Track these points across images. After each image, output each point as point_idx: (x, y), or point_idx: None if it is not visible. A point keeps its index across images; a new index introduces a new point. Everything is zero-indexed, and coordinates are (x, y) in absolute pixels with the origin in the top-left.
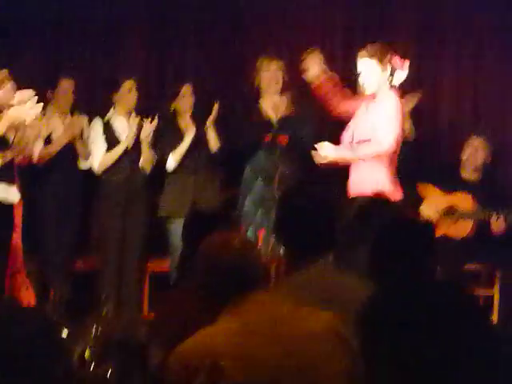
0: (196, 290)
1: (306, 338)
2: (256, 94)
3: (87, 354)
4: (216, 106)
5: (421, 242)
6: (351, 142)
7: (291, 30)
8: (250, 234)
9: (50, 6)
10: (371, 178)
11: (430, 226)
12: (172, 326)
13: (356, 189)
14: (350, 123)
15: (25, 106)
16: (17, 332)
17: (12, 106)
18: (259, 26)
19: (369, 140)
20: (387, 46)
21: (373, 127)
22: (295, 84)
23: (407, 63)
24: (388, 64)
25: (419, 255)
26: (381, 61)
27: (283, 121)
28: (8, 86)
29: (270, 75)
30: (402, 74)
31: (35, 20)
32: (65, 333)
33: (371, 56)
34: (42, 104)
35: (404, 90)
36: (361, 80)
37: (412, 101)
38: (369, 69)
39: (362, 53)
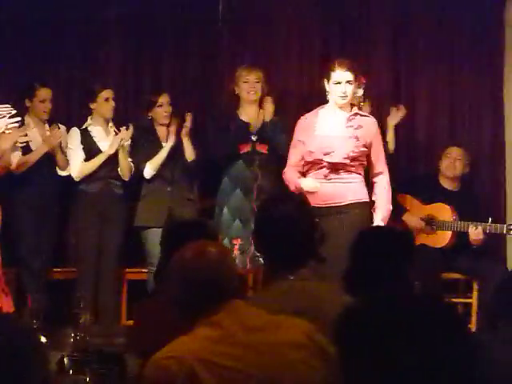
0: (172, 299)
1: (282, 346)
2: (235, 104)
3: (65, 361)
4: (189, 117)
5: (400, 252)
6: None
7: (269, 41)
8: (225, 243)
9: (27, 15)
10: (346, 187)
11: (409, 236)
12: (149, 335)
13: (337, 198)
14: (316, 133)
15: (1, 118)
16: None
17: None
18: (237, 36)
19: (365, 153)
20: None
21: (368, 145)
22: (273, 94)
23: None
24: (357, 80)
25: (398, 264)
26: (355, 76)
27: (262, 130)
28: None
29: (249, 86)
30: (360, 92)
31: (13, 30)
32: (43, 340)
33: (350, 69)
34: (19, 118)
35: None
36: (340, 89)
37: (397, 115)
38: (348, 81)
39: (343, 65)
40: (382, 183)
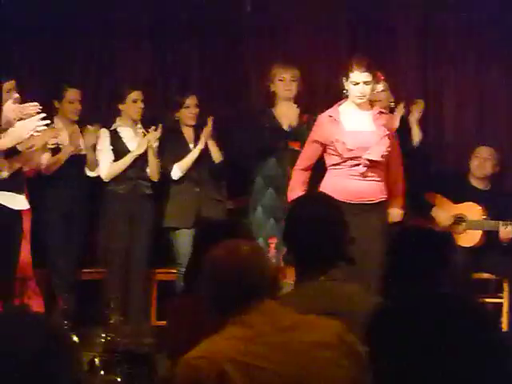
0: (203, 299)
1: (313, 346)
2: (269, 101)
3: (96, 361)
4: (210, 121)
5: (440, 252)
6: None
7: (296, 41)
8: (260, 242)
9: (55, 17)
10: (378, 185)
11: (449, 237)
12: (180, 335)
13: (369, 195)
14: (347, 129)
15: (31, 120)
16: (28, 338)
17: (20, 119)
18: (263, 36)
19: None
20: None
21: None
22: (307, 93)
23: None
24: (375, 77)
25: (436, 265)
26: (373, 75)
27: (295, 128)
28: (11, 102)
29: (284, 84)
30: (379, 88)
31: (41, 31)
32: (75, 339)
33: (367, 70)
34: (48, 120)
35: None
36: (358, 90)
37: (418, 110)
38: (366, 81)
39: (360, 66)
40: (397, 178)
